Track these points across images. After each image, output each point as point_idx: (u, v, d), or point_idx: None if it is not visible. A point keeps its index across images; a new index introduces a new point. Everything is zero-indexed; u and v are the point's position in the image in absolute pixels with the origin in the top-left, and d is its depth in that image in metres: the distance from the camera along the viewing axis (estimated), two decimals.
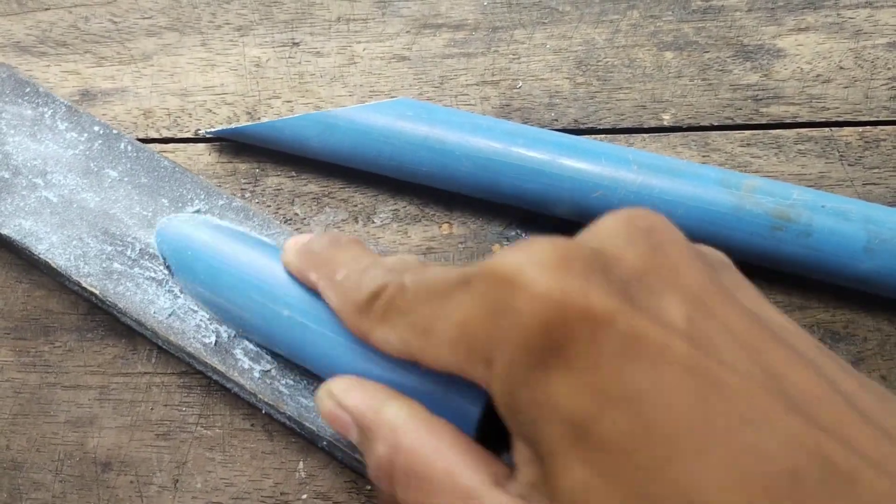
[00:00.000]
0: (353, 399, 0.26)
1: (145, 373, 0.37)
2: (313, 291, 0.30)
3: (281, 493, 0.35)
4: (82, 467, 0.36)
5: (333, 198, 0.40)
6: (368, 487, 0.35)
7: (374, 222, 0.39)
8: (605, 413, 0.19)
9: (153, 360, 0.37)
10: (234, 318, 0.33)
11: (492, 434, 0.26)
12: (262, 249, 0.33)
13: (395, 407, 0.25)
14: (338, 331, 0.29)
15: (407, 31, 0.44)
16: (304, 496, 0.35)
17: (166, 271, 0.36)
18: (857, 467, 0.17)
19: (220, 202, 0.37)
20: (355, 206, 0.40)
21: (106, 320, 0.38)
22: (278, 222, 0.37)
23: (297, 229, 0.39)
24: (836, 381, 0.21)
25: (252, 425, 0.36)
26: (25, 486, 0.35)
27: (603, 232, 0.23)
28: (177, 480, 0.35)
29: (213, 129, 0.41)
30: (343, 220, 0.40)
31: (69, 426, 0.36)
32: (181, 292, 0.35)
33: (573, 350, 0.19)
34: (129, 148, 0.39)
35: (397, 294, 0.25)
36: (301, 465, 0.35)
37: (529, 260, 0.21)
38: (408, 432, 0.24)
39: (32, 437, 0.36)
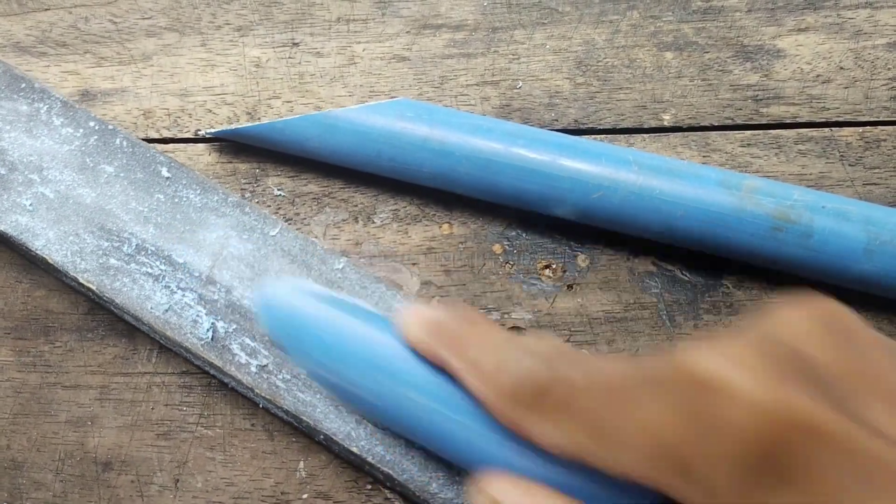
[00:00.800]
0: (513, 500, 0.24)
1: (146, 372, 0.37)
2: (441, 371, 0.28)
3: (281, 493, 0.35)
4: (83, 467, 0.36)
5: (333, 198, 0.40)
6: (369, 486, 0.35)
7: (374, 222, 0.39)
8: None
9: (153, 360, 0.37)
10: (353, 398, 0.30)
11: None
12: (375, 321, 0.30)
13: None
14: (476, 419, 0.26)
15: (407, 32, 0.44)
16: (305, 496, 0.35)
17: (163, 268, 0.36)
18: None
19: (216, 197, 0.37)
20: (355, 206, 0.40)
21: (106, 320, 0.38)
22: (274, 217, 0.37)
23: (297, 229, 0.39)
24: None
25: (252, 425, 0.36)
26: (26, 486, 0.35)
27: (790, 326, 0.22)
28: (177, 480, 0.35)
29: (213, 130, 0.41)
30: (343, 221, 0.40)
31: (70, 426, 0.36)
32: (178, 287, 0.36)
33: (792, 465, 0.18)
34: (125, 143, 0.39)
35: (566, 391, 0.23)
36: (301, 464, 0.35)
37: (731, 363, 0.20)
38: None
39: (33, 437, 0.36)
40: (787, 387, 0.19)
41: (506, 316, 0.37)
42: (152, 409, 0.36)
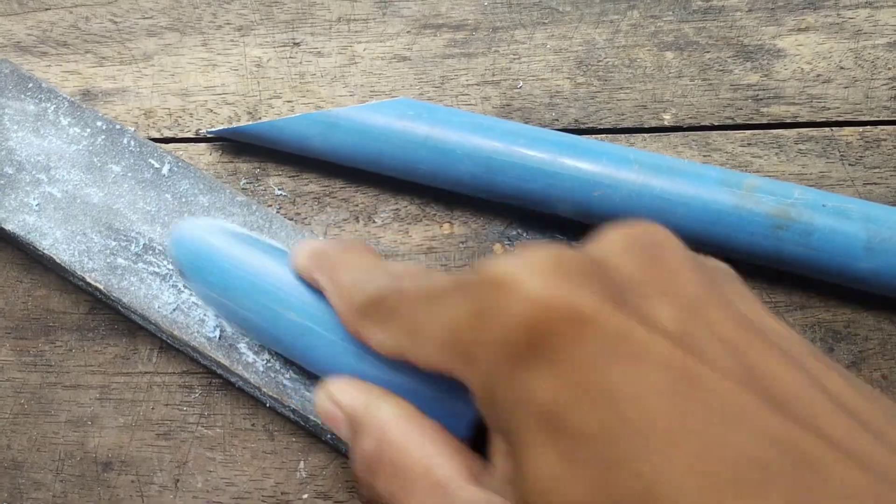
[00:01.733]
0: (347, 397, 0.27)
1: (146, 372, 0.37)
2: (320, 295, 0.30)
3: (282, 493, 0.35)
4: (83, 467, 0.36)
5: (334, 197, 0.40)
6: None
7: (374, 222, 0.39)
8: (579, 405, 0.19)
9: (154, 360, 0.37)
10: (240, 320, 0.33)
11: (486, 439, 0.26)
12: (273, 254, 0.33)
13: (386, 405, 0.26)
14: (339, 334, 0.29)
15: (407, 32, 0.44)
16: (305, 496, 0.35)
17: (171, 267, 0.36)
18: (830, 459, 0.17)
19: (223, 197, 0.37)
20: (356, 205, 0.40)
21: (107, 320, 0.38)
22: (281, 217, 0.37)
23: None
24: (823, 380, 0.21)
25: (253, 425, 0.36)
26: (26, 486, 0.35)
27: (603, 242, 0.23)
28: (177, 480, 0.35)
29: (214, 129, 0.41)
30: (344, 220, 0.40)
31: (70, 426, 0.36)
32: (185, 287, 0.36)
33: (555, 347, 0.20)
34: (133, 143, 0.39)
35: (396, 298, 0.26)
36: (302, 464, 0.35)
37: (522, 264, 0.21)
38: (394, 428, 0.25)
39: (33, 437, 0.36)
40: (566, 283, 0.20)
41: None
42: (152, 408, 0.36)
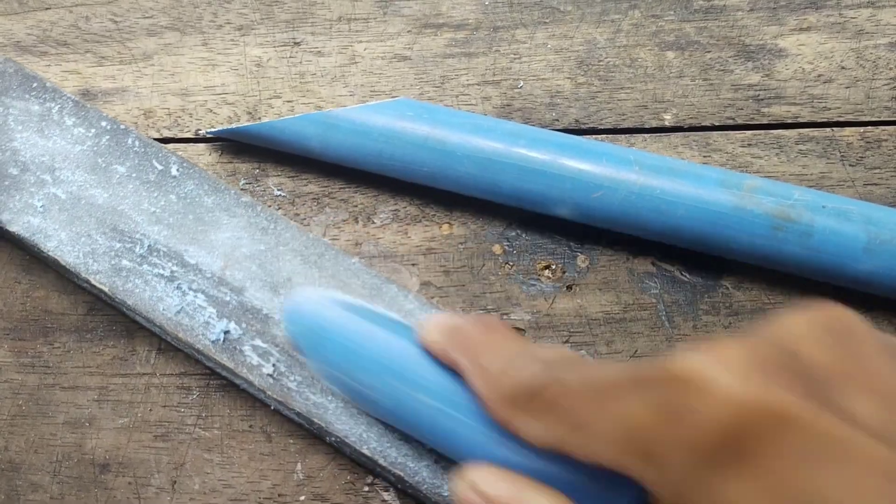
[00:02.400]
0: (493, 487, 0.26)
1: (144, 374, 0.37)
2: (452, 374, 0.29)
3: (279, 495, 0.35)
4: (80, 468, 0.36)
5: (334, 198, 0.40)
6: (366, 488, 0.35)
7: (374, 222, 0.39)
8: None
9: (152, 361, 0.37)
10: (365, 400, 0.32)
11: None
12: (396, 329, 0.32)
13: (540, 498, 0.25)
14: (479, 420, 0.28)
15: (408, 31, 0.44)
16: (303, 497, 0.35)
17: (175, 269, 0.36)
18: None
19: (228, 198, 0.37)
20: (355, 206, 0.40)
21: (105, 321, 0.38)
22: (286, 218, 0.37)
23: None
24: None
25: (250, 427, 0.36)
26: (23, 488, 0.35)
27: (791, 330, 0.22)
28: (175, 482, 0.35)
29: (213, 129, 0.41)
30: (343, 221, 0.39)
31: (68, 427, 0.36)
32: (190, 289, 0.35)
33: (754, 451, 0.19)
34: (137, 143, 0.39)
35: (556, 390, 0.24)
36: (299, 466, 0.35)
37: (714, 361, 0.20)
38: None
39: (31, 439, 0.36)
40: (763, 381, 0.19)
41: (505, 317, 0.37)
42: (150, 410, 0.36)
